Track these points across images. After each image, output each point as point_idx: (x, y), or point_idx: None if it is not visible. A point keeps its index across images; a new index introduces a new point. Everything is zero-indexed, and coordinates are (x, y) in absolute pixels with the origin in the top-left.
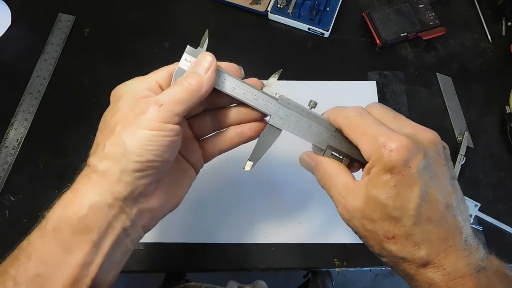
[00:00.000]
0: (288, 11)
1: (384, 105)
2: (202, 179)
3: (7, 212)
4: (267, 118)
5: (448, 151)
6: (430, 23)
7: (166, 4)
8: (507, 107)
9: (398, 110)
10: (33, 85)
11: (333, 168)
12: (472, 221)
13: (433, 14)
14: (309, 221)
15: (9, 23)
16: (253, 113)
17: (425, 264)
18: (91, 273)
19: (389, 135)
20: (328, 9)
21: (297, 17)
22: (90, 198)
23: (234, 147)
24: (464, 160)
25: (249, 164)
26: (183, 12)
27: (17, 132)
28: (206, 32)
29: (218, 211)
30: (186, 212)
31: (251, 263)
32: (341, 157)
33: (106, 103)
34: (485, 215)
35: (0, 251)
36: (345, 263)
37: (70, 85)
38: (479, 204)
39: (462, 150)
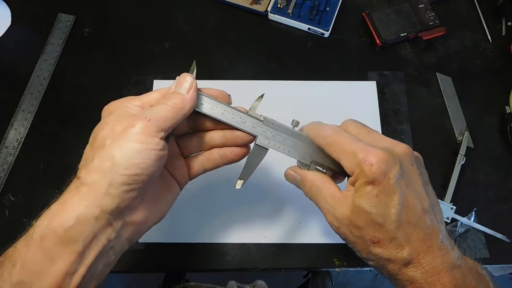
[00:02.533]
0: (288, 11)
1: (358, 121)
2: (203, 180)
3: (7, 212)
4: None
5: (421, 160)
6: (430, 23)
7: (166, 4)
8: (507, 107)
9: (398, 110)
10: (33, 85)
11: (320, 181)
12: (449, 222)
13: (433, 14)
14: (309, 221)
15: (9, 23)
16: (236, 138)
17: (407, 263)
18: (73, 283)
19: (367, 150)
20: (328, 9)
21: (297, 17)
22: (78, 210)
23: (218, 167)
24: (464, 160)
25: (239, 183)
26: (183, 12)
27: (17, 132)
28: (194, 63)
29: (218, 211)
30: (186, 213)
31: (251, 263)
32: (324, 170)
33: (106, 103)
34: (460, 216)
35: (0, 251)
36: (345, 263)
37: (70, 85)
38: (454, 207)
39: (462, 150)
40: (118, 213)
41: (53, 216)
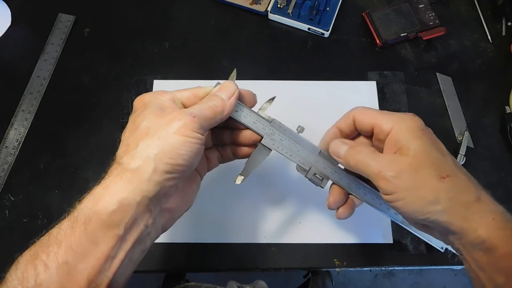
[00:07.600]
0: (288, 11)
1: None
2: (202, 180)
3: (7, 212)
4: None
5: None
6: (430, 23)
7: (166, 4)
8: (507, 107)
9: (398, 110)
10: (33, 85)
11: (367, 154)
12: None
13: (433, 14)
14: (309, 221)
15: (9, 23)
16: (243, 138)
17: (477, 200)
18: (113, 267)
19: (401, 113)
20: (328, 9)
21: (297, 17)
22: (121, 194)
23: (230, 161)
24: (464, 160)
25: (240, 178)
26: (183, 12)
27: (17, 132)
28: (234, 71)
29: (218, 211)
30: (186, 213)
31: (251, 263)
32: (321, 178)
33: (106, 103)
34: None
35: (0, 250)
36: (345, 263)
37: (70, 85)
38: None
39: (462, 150)
40: (157, 199)
41: (97, 200)
